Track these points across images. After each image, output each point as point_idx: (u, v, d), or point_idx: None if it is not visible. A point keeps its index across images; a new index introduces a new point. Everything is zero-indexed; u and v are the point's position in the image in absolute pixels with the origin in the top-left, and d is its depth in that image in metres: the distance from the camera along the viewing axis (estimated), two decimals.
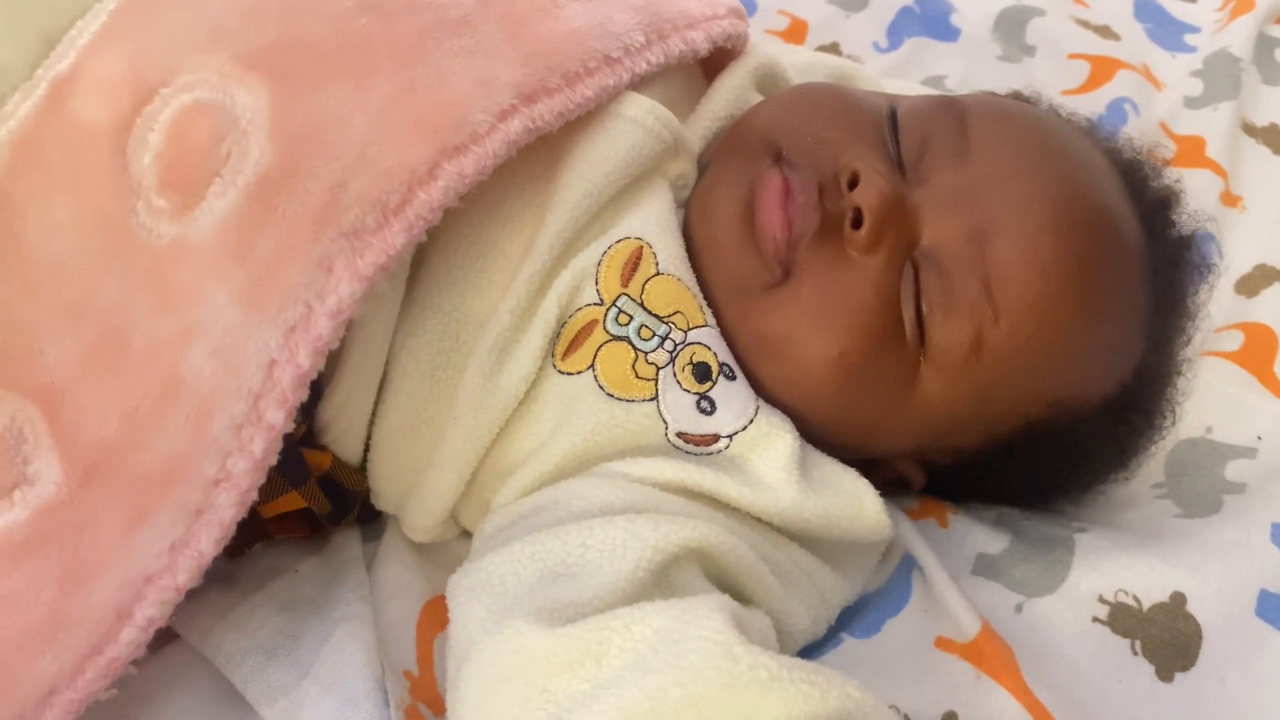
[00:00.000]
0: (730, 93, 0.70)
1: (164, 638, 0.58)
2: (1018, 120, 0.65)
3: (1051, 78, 0.98)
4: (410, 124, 0.54)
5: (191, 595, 0.54)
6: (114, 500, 0.53)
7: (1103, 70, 0.98)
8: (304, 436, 0.59)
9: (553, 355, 0.58)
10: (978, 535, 0.65)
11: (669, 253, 0.60)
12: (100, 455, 0.53)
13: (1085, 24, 1.03)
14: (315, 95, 0.55)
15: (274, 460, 0.52)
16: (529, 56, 0.58)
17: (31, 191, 0.54)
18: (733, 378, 0.58)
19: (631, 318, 0.58)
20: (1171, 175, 0.74)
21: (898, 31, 1.04)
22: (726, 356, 0.59)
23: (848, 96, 0.66)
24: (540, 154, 0.59)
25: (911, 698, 0.56)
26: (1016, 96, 0.77)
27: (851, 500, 0.58)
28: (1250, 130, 0.92)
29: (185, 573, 0.52)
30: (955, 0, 1.05)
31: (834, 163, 0.61)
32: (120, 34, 0.56)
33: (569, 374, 0.58)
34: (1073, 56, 0.99)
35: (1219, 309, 0.79)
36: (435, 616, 0.61)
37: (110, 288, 0.53)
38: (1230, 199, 0.87)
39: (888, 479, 0.63)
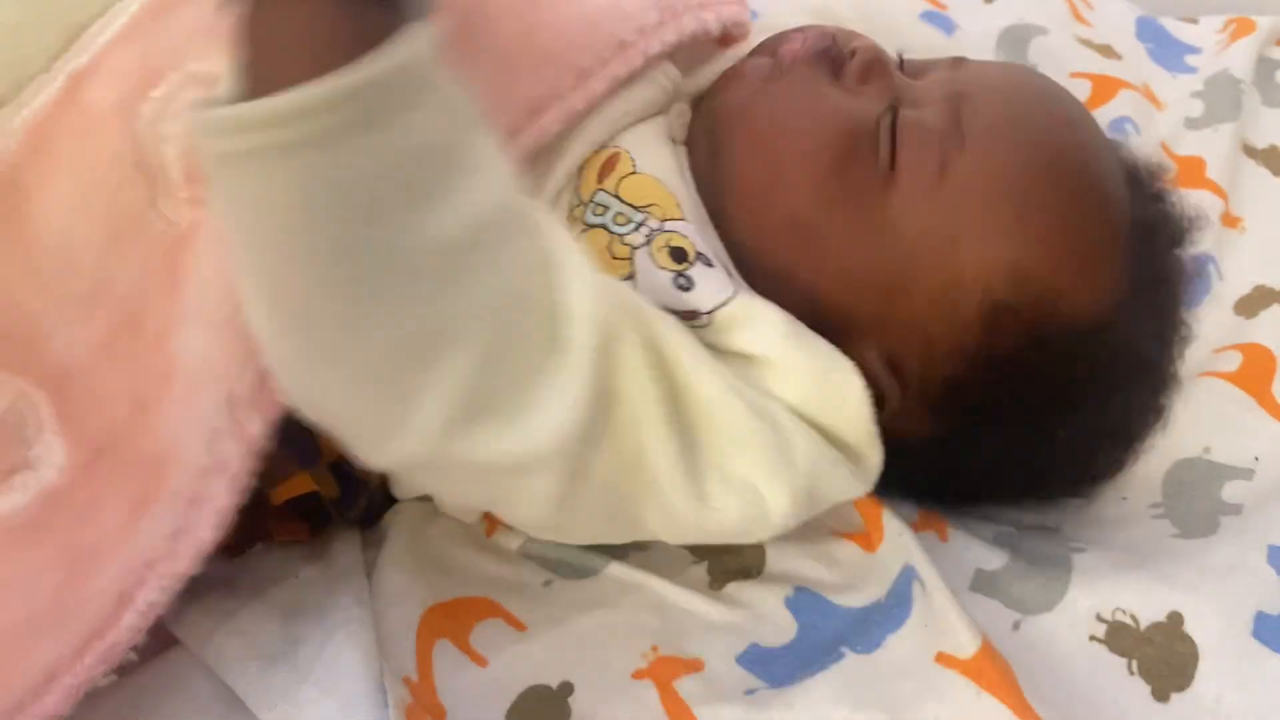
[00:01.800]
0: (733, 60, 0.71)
1: (164, 642, 0.58)
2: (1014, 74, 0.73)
3: None
4: None
5: (192, 600, 0.55)
6: (118, 485, 0.53)
7: (1104, 89, 0.98)
8: None
9: None
10: (977, 551, 0.65)
11: (649, 159, 0.62)
12: (108, 440, 0.53)
13: (1087, 43, 1.04)
14: None
15: (266, 443, 0.52)
16: (541, 60, 0.59)
17: (40, 177, 0.54)
18: (710, 265, 0.59)
19: (607, 209, 0.60)
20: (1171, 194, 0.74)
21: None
22: (704, 248, 0.60)
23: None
24: None
25: (913, 714, 0.56)
26: None
27: (836, 386, 0.58)
28: (1250, 152, 0.93)
29: (186, 559, 0.52)
30: (958, 17, 1.05)
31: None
32: (141, 31, 0.57)
33: None
34: (1074, 75, 0.99)
35: (1218, 329, 0.80)
36: (436, 623, 0.61)
37: (129, 275, 0.54)
38: (1230, 220, 0.88)
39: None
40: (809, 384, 0.57)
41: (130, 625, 0.52)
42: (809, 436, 0.57)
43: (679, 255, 0.59)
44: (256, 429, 0.52)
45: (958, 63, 0.68)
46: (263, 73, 0.45)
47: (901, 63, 0.68)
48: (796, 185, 0.61)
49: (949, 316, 0.61)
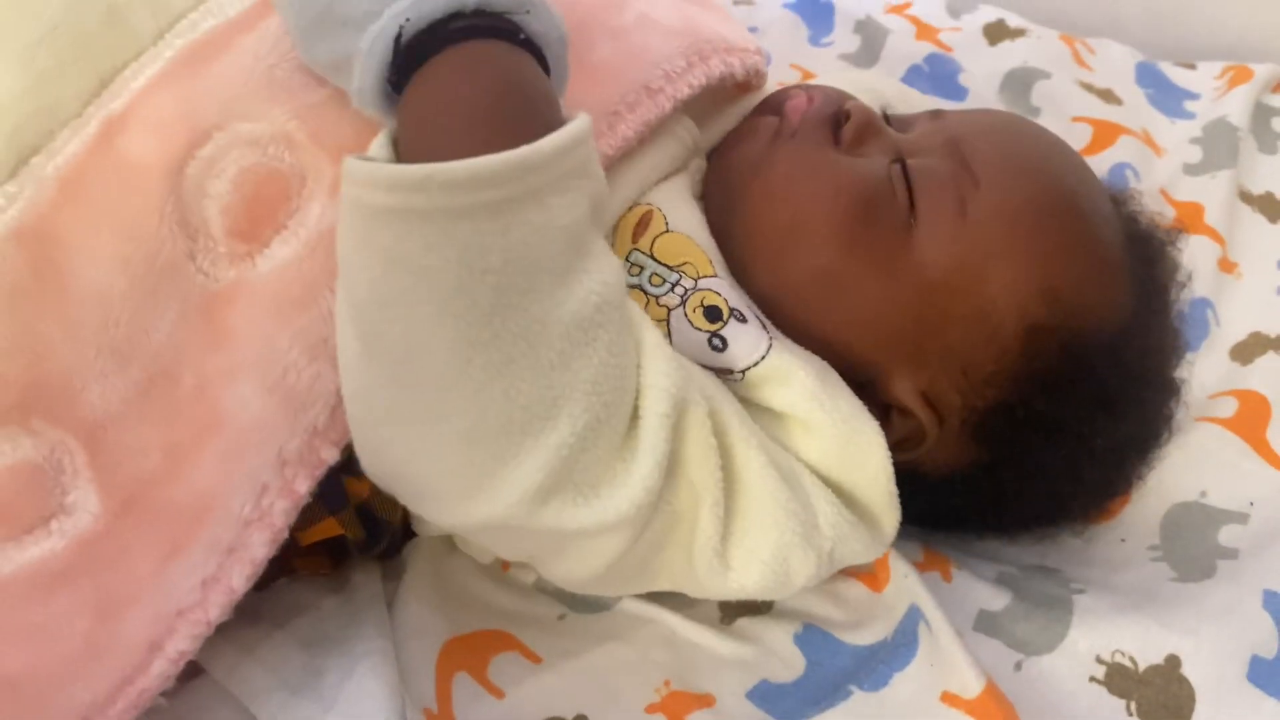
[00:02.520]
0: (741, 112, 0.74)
1: (190, 671, 0.60)
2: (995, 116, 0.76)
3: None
4: None
5: (218, 630, 0.56)
6: (149, 533, 0.54)
7: (1105, 135, 1.00)
8: (345, 464, 0.60)
9: None
10: (980, 591, 0.67)
11: (679, 216, 0.64)
12: (138, 489, 0.54)
13: (1089, 87, 1.06)
14: None
15: (310, 498, 0.54)
16: (572, 106, 0.61)
17: (78, 229, 0.55)
18: (744, 320, 0.61)
19: (643, 269, 0.62)
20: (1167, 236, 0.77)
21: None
22: (737, 303, 0.62)
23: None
24: None
25: None
26: None
27: (859, 449, 0.59)
28: (1247, 198, 0.95)
29: (216, 607, 0.54)
30: (963, 60, 1.08)
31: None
32: (176, 78, 0.57)
33: None
34: (1076, 119, 1.02)
35: (1214, 375, 0.82)
36: (455, 656, 0.63)
37: (163, 329, 0.55)
38: (1227, 265, 0.90)
39: (900, 433, 0.63)
40: (833, 446, 0.59)
41: (160, 672, 0.54)
42: (832, 502, 0.59)
43: (713, 315, 0.61)
44: (303, 487, 0.54)
45: (937, 114, 0.71)
46: (432, 138, 0.49)
47: (887, 119, 0.71)
48: (821, 238, 0.63)
49: (987, 344, 0.63)
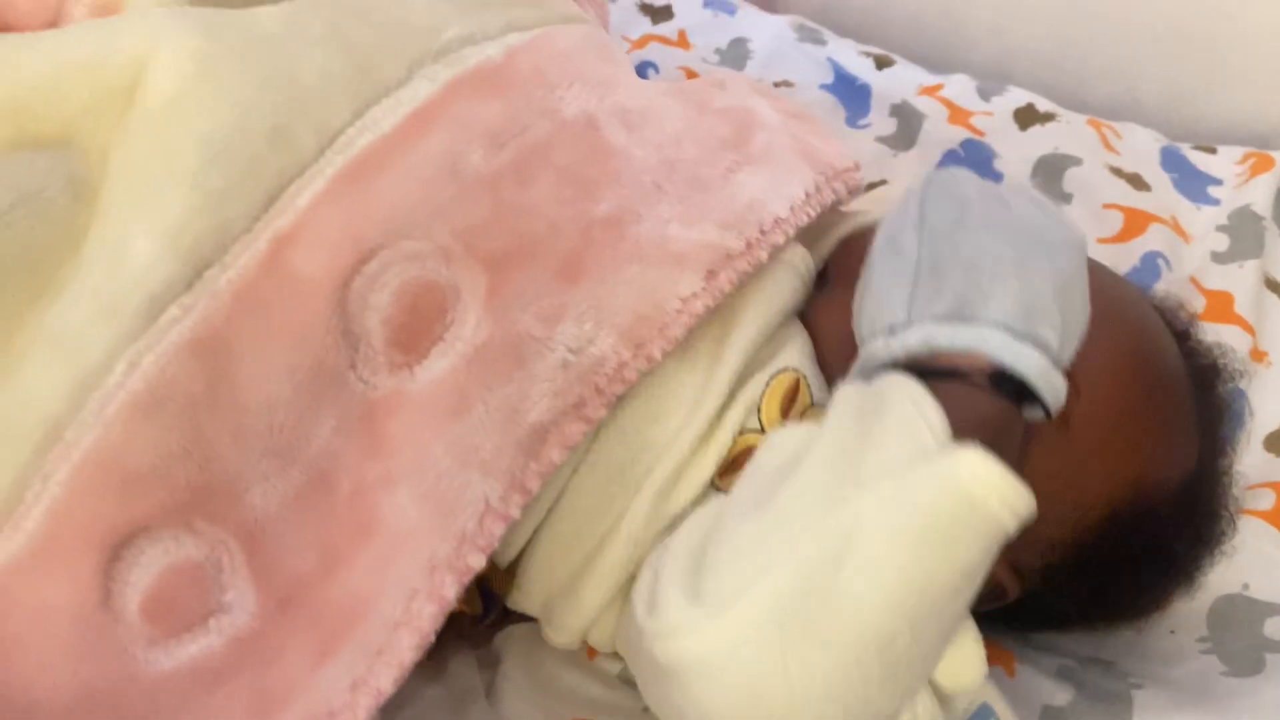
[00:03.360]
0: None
1: None
2: None
3: (1087, 224, 1.04)
4: (614, 326, 0.61)
5: None
6: (304, 633, 0.57)
7: (1135, 223, 1.04)
8: None
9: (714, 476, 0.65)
10: (1044, 686, 0.70)
11: (819, 384, 0.68)
12: (294, 589, 0.57)
13: (1118, 172, 1.09)
14: (527, 283, 0.62)
15: (456, 604, 0.57)
16: (719, 226, 0.65)
17: (249, 340, 0.57)
18: None
19: None
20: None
21: None
22: None
23: None
24: None
25: None
26: None
27: (962, 658, 0.63)
28: (1274, 286, 0.99)
29: (364, 710, 0.56)
30: (997, 145, 1.11)
31: None
32: (340, 197, 0.60)
33: (727, 492, 0.63)
34: (1107, 206, 1.05)
35: (1250, 466, 0.86)
36: None
37: (323, 434, 0.58)
38: (1258, 355, 0.94)
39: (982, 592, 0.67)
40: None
41: None
42: (929, 704, 0.63)
43: None
44: (451, 593, 0.57)
45: None
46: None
47: None
48: None
49: (1072, 528, 0.68)
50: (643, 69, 1.17)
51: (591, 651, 0.72)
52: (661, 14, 1.29)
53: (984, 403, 0.57)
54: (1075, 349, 0.59)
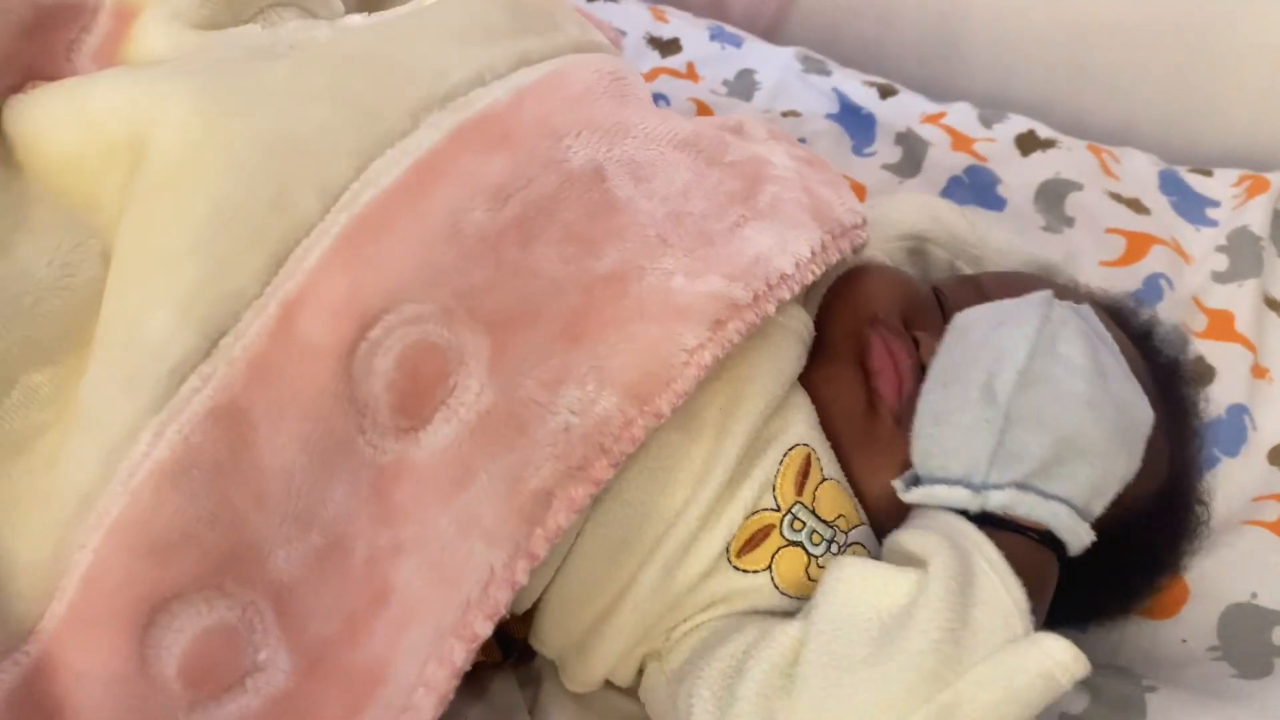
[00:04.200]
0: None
1: None
2: None
3: (1090, 249, 1.07)
4: (618, 385, 0.61)
5: None
6: (333, 693, 0.58)
7: (1137, 246, 1.07)
8: None
9: (727, 551, 0.65)
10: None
11: (829, 457, 0.68)
12: (323, 650, 0.59)
13: (1118, 197, 1.12)
14: (530, 346, 0.61)
15: (469, 667, 0.58)
16: (725, 278, 0.64)
17: (264, 407, 0.58)
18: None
19: (805, 524, 0.66)
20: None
21: (948, 199, 1.13)
22: (875, 550, 0.67)
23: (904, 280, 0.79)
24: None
25: None
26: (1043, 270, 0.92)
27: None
28: (1273, 304, 1.02)
29: None
30: (1000, 172, 1.14)
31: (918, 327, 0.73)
32: (344, 259, 0.60)
33: (746, 571, 0.65)
34: (1109, 231, 1.08)
35: (1254, 479, 0.89)
36: None
37: (337, 499, 0.59)
38: (1259, 371, 0.97)
39: None
40: None
41: None
42: None
43: None
44: (460, 659, 0.58)
45: None
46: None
47: (939, 299, 0.77)
48: None
49: None
50: (654, 102, 1.20)
51: None
52: (670, 47, 1.32)
53: (1039, 556, 0.63)
54: None
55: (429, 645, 0.58)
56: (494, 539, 0.58)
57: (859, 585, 0.62)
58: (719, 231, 0.67)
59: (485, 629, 0.58)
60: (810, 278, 0.67)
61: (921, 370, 0.69)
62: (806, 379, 0.72)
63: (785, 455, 0.67)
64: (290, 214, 0.60)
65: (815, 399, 0.71)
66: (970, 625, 0.58)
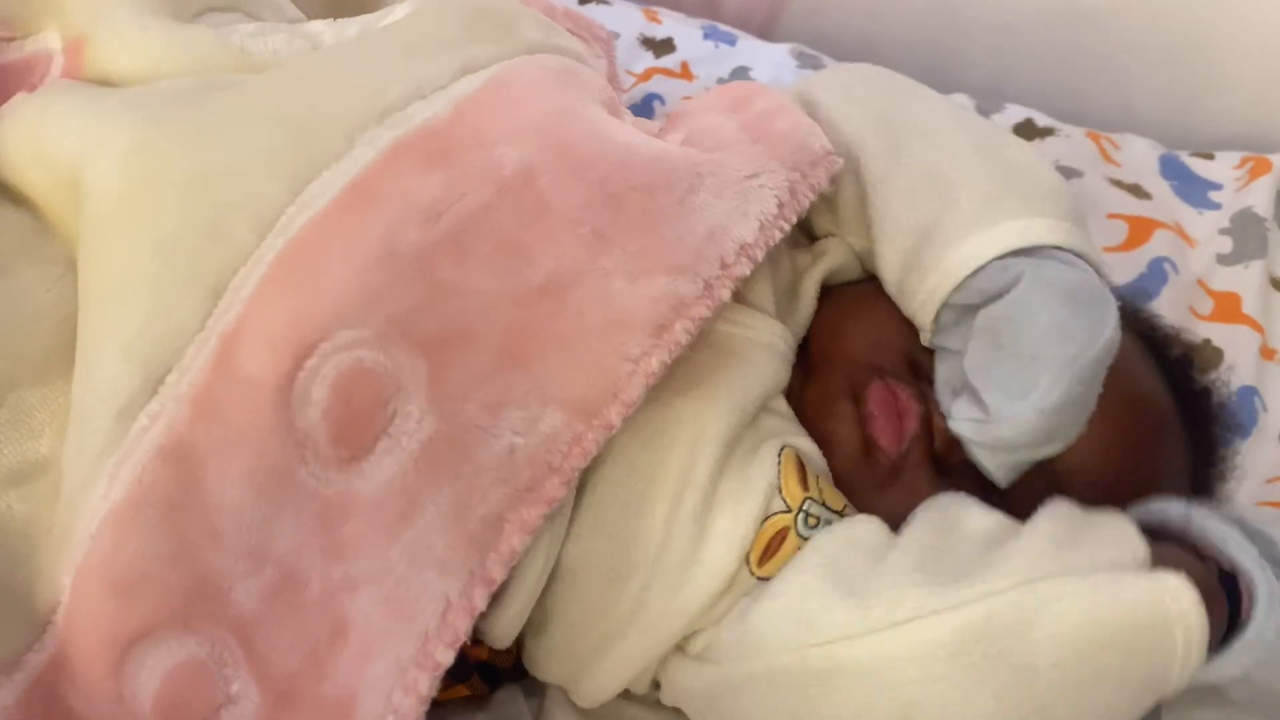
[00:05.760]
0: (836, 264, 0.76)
1: None
2: None
3: (1093, 235, 1.06)
4: (562, 402, 0.59)
5: None
6: None
7: (1140, 230, 1.06)
8: None
9: (747, 562, 0.63)
10: None
11: (816, 455, 0.67)
12: (289, 684, 0.58)
13: (1118, 183, 1.11)
14: (469, 369, 0.59)
15: (437, 692, 0.57)
16: (670, 273, 0.60)
17: (211, 444, 0.57)
18: None
19: (818, 519, 0.64)
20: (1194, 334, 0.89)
21: None
22: None
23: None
24: (681, 366, 0.62)
25: None
26: None
27: None
28: (1279, 285, 1.01)
29: None
30: None
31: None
32: (279, 286, 0.59)
33: (770, 579, 0.63)
34: (1111, 216, 1.07)
35: (1267, 460, 0.88)
36: None
37: (286, 533, 0.58)
38: (1268, 352, 0.96)
39: None
40: None
41: None
42: None
43: None
44: (424, 688, 0.57)
45: None
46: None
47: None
48: None
49: None
50: (649, 101, 1.20)
51: None
52: (663, 47, 1.32)
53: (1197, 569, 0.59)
54: None
55: (393, 676, 0.57)
56: (447, 568, 0.57)
57: (952, 509, 0.62)
58: (665, 206, 0.62)
59: (447, 657, 0.57)
60: (779, 234, 0.63)
61: (929, 425, 0.68)
62: (799, 398, 0.70)
63: (779, 456, 0.65)
64: (226, 244, 0.60)
65: (805, 423, 0.69)
66: (1083, 540, 0.57)
